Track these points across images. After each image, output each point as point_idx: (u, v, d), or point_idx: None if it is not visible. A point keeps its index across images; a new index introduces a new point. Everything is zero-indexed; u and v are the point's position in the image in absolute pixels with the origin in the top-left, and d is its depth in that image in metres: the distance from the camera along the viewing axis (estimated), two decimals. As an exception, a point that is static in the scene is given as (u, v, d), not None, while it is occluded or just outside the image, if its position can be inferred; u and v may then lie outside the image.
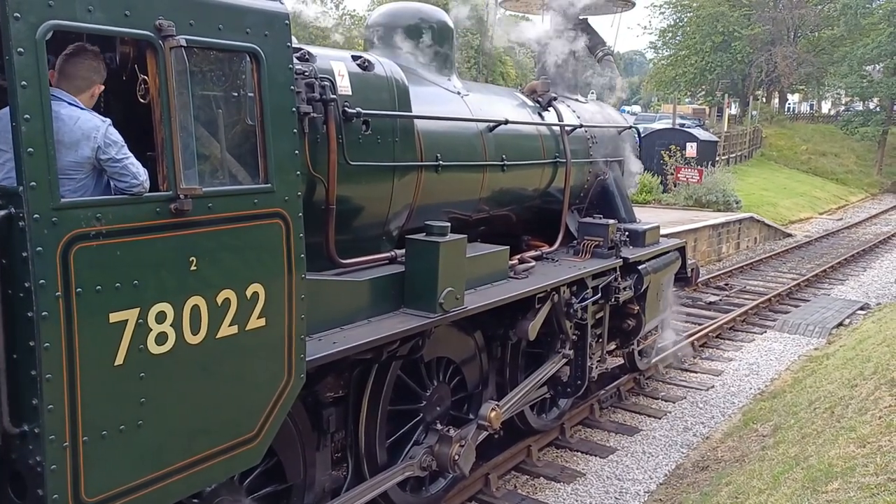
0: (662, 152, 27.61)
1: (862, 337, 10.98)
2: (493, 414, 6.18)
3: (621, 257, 7.98)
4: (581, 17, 9.65)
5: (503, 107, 7.42)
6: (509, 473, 7.38)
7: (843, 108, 62.78)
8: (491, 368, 6.90)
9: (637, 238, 8.62)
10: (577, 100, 9.11)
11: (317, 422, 5.03)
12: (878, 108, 49.12)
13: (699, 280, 12.29)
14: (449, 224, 5.43)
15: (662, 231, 18.10)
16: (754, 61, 47.96)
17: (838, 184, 41.62)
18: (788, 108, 63.19)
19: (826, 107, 70.01)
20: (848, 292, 16.74)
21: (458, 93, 6.77)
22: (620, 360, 9.83)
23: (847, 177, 43.66)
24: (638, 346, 9.26)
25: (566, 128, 8.04)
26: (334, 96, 4.77)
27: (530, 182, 7.60)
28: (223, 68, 3.76)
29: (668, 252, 9.17)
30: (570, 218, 8.24)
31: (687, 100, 57.68)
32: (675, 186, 25.72)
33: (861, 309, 14.32)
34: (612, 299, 8.01)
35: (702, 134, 31.30)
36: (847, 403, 7.32)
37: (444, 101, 6.52)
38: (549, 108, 8.06)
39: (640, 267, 8.36)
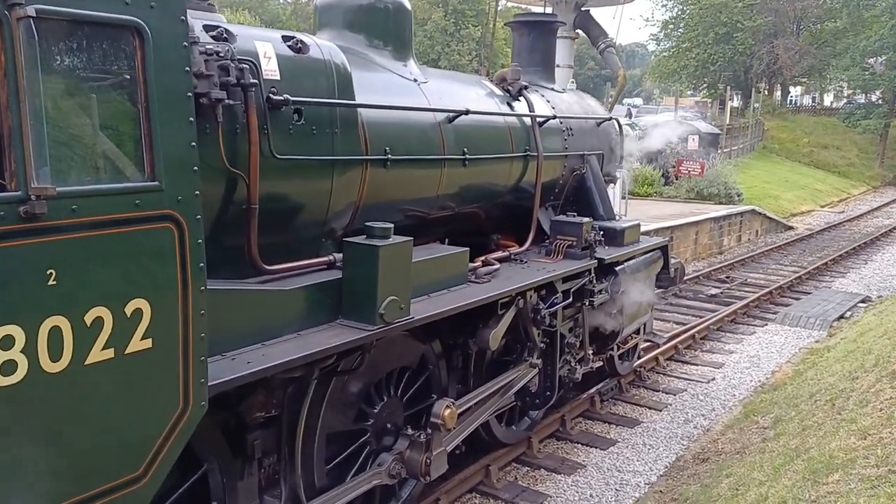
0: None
1: (863, 329, 10.79)
2: (447, 412, 5.49)
3: (596, 258, 7.35)
4: (583, 9, 9.58)
5: (467, 96, 6.69)
6: (510, 465, 7.29)
7: (845, 100, 62.36)
8: (451, 380, 6.28)
9: (615, 237, 7.96)
10: (553, 89, 8.38)
11: (240, 447, 4.41)
12: (880, 101, 48.45)
13: (685, 279, 11.68)
14: (391, 225, 4.76)
15: (663, 224, 18.21)
16: (756, 53, 47.79)
17: (840, 177, 41.11)
18: (790, 100, 62.74)
19: (828, 99, 69.46)
20: (849, 285, 16.51)
21: (415, 80, 6.09)
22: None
23: (849, 170, 43.08)
24: (617, 350, 8.71)
25: (538, 119, 7.35)
26: (255, 81, 4.16)
27: (497, 177, 6.90)
28: (97, 45, 3.10)
29: (648, 251, 8.56)
30: (543, 215, 7.64)
31: (689, 92, 57.51)
32: (676, 179, 25.63)
33: (862, 301, 14.10)
34: (587, 303, 7.39)
35: (704, 126, 31.24)
36: (848, 395, 7.21)
37: (397, 90, 5.85)
38: (520, 98, 7.36)
39: (617, 268, 7.73)
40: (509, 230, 7.43)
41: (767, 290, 15.21)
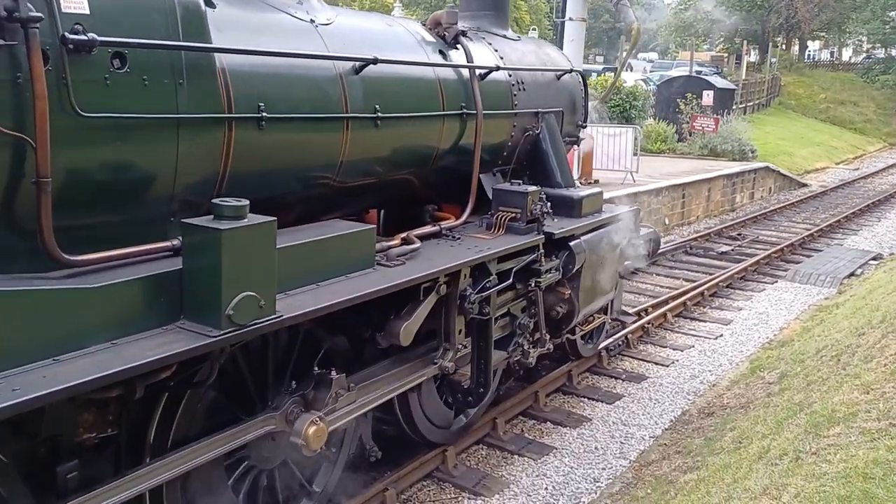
0: (678, 100, 27.35)
1: (872, 286, 10.61)
2: (311, 430, 4.30)
3: (544, 232, 6.23)
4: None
5: (383, 42, 5.46)
6: (516, 418, 7.25)
7: (864, 55, 61.36)
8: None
9: (571, 207, 6.84)
10: (504, 36, 7.10)
11: (50, 482, 3.41)
12: (900, 56, 48.27)
13: (659, 252, 10.07)
14: (246, 202, 3.62)
15: (675, 181, 18.08)
16: (774, 7, 47.02)
17: (856, 133, 39.84)
18: (808, 55, 61.72)
19: (847, 54, 68.43)
20: (861, 242, 16.08)
21: (311, 21, 4.85)
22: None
23: (866, 126, 41.69)
24: (574, 333, 7.62)
25: (479, 70, 6.16)
26: (39, 14, 3.05)
27: (425, 139, 5.71)
28: None
29: (612, 223, 7.37)
30: (490, 182, 6.54)
31: (705, 46, 56.79)
32: (690, 135, 25.38)
33: (874, 259, 13.74)
34: (534, 284, 6.28)
35: (719, 82, 30.87)
36: (854, 351, 7.08)
37: (283, 33, 4.59)
38: (458, 46, 6.14)
39: (572, 243, 6.57)
40: (453, 199, 6.28)
41: (779, 247, 14.83)
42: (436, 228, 5.81)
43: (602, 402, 7.83)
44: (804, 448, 5.18)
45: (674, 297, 11.12)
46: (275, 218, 3.72)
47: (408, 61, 5.54)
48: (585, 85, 8.01)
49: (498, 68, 6.41)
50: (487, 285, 5.64)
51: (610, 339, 9.08)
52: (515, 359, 6.42)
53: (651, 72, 41.43)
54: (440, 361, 5.51)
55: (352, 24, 5.32)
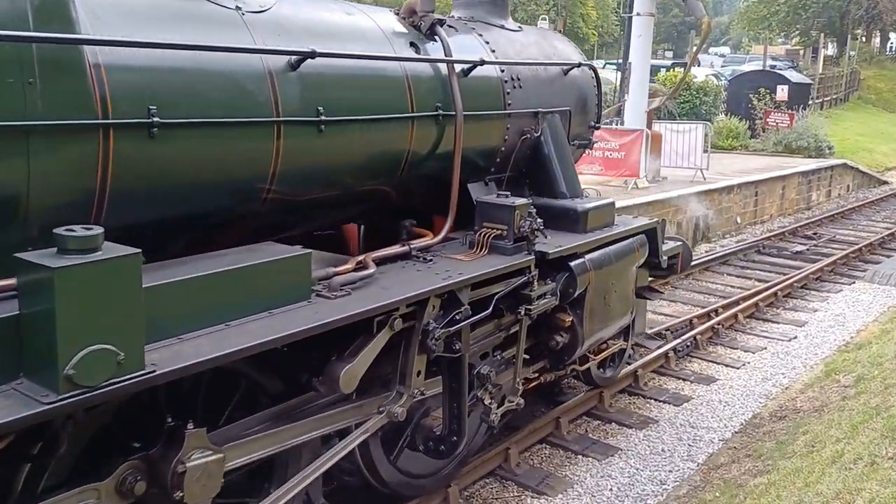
0: (751, 96, 26.82)
1: None
2: None
3: (535, 252, 5.29)
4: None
5: (337, 34, 4.62)
6: (580, 418, 7.15)
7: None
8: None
9: (574, 221, 5.92)
10: (502, 27, 6.24)
11: None
12: None
13: (691, 266, 9.25)
14: (99, 231, 2.87)
15: (747, 178, 17.69)
16: (853, -3, 45.79)
17: None
18: (890, 47, 59.96)
19: (933, 46, 66.44)
20: None
21: (238, 8, 4.04)
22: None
23: None
24: (582, 364, 6.67)
25: (459, 66, 5.32)
26: None
27: (388, 145, 4.85)
28: None
29: (625, 238, 6.38)
30: (480, 192, 5.72)
31: (780, 40, 55.57)
32: (763, 132, 24.89)
33: None
34: (523, 312, 5.28)
35: (794, 76, 30.15)
36: None
37: (192, 22, 3.79)
38: (437, 38, 5.29)
39: (572, 263, 5.61)
40: (443, 211, 5.44)
41: (857, 246, 14.43)
42: (404, 249, 4.96)
43: (669, 403, 7.66)
44: (880, 453, 5.07)
45: (745, 298, 10.85)
46: (139, 250, 2.95)
47: (358, 55, 4.60)
48: (598, 81, 7.13)
49: (483, 62, 5.50)
50: (457, 318, 4.68)
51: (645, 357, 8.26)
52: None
53: (723, 66, 40.69)
54: (388, 408, 4.50)
55: (294, 13, 4.48)
